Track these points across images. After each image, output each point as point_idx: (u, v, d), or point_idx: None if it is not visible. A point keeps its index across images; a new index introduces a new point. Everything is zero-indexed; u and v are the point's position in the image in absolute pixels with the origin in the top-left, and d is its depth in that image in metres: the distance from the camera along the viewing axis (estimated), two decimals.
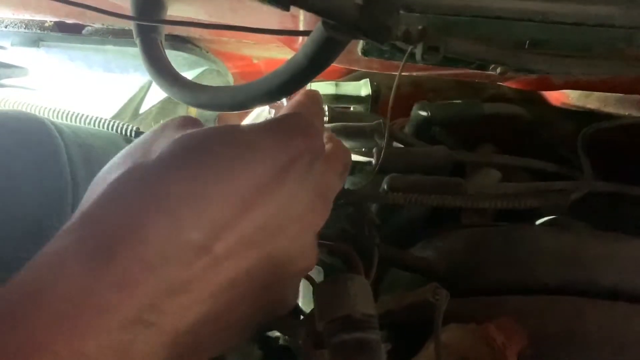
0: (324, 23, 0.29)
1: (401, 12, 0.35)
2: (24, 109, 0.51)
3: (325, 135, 0.33)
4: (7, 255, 0.38)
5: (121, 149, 0.31)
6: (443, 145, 0.51)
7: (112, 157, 0.31)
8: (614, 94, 0.59)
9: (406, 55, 0.32)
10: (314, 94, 0.33)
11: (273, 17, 0.43)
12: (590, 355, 0.35)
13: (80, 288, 0.22)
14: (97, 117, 0.51)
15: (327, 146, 0.33)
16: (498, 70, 0.46)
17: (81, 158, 0.47)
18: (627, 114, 0.56)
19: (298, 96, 0.35)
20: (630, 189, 0.47)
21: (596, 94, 0.59)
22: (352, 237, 0.42)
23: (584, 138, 0.44)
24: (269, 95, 0.32)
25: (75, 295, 0.21)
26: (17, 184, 0.42)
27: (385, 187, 0.48)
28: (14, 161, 0.42)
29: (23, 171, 0.43)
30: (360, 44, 0.43)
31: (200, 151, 0.26)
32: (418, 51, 0.31)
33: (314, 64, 0.29)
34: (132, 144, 0.31)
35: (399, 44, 0.42)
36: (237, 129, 0.28)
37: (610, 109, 0.59)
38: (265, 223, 0.27)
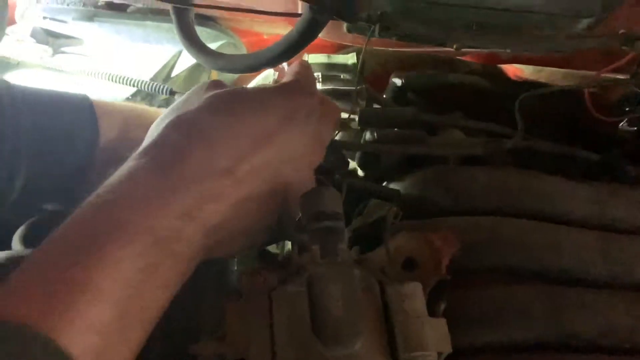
0: (309, 7, 0.42)
1: None
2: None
3: (320, 96, 0.45)
4: None
5: None
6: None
7: None
8: (561, 70, 0.70)
9: (370, 32, 0.45)
10: (307, 64, 0.44)
11: (280, 2, 0.56)
12: (503, 256, 0.48)
13: (150, 189, 0.32)
14: (139, 79, 0.64)
15: (322, 105, 0.42)
16: (454, 46, 0.59)
17: None
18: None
19: (295, 66, 0.47)
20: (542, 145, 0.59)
21: (547, 69, 0.71)
22: (327, 171, 0.54)
23: (521, 102, 0.56)
24: (272, 60, 0.45)
25: (148, 193, 0.32)
26: None
27: (367, 137, 0.61)
28: None
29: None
30: (345, 23, 0.56)
31: (227, 104, 0.37)
32: (376, 29, 0.44)
33: (303, 37, 0.42)
34: (175, 103, 0.42)
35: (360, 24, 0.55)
36: (253, 90, 0.39)
37: (557, 83, 0.71)
38: (273, 158, 0.37)
